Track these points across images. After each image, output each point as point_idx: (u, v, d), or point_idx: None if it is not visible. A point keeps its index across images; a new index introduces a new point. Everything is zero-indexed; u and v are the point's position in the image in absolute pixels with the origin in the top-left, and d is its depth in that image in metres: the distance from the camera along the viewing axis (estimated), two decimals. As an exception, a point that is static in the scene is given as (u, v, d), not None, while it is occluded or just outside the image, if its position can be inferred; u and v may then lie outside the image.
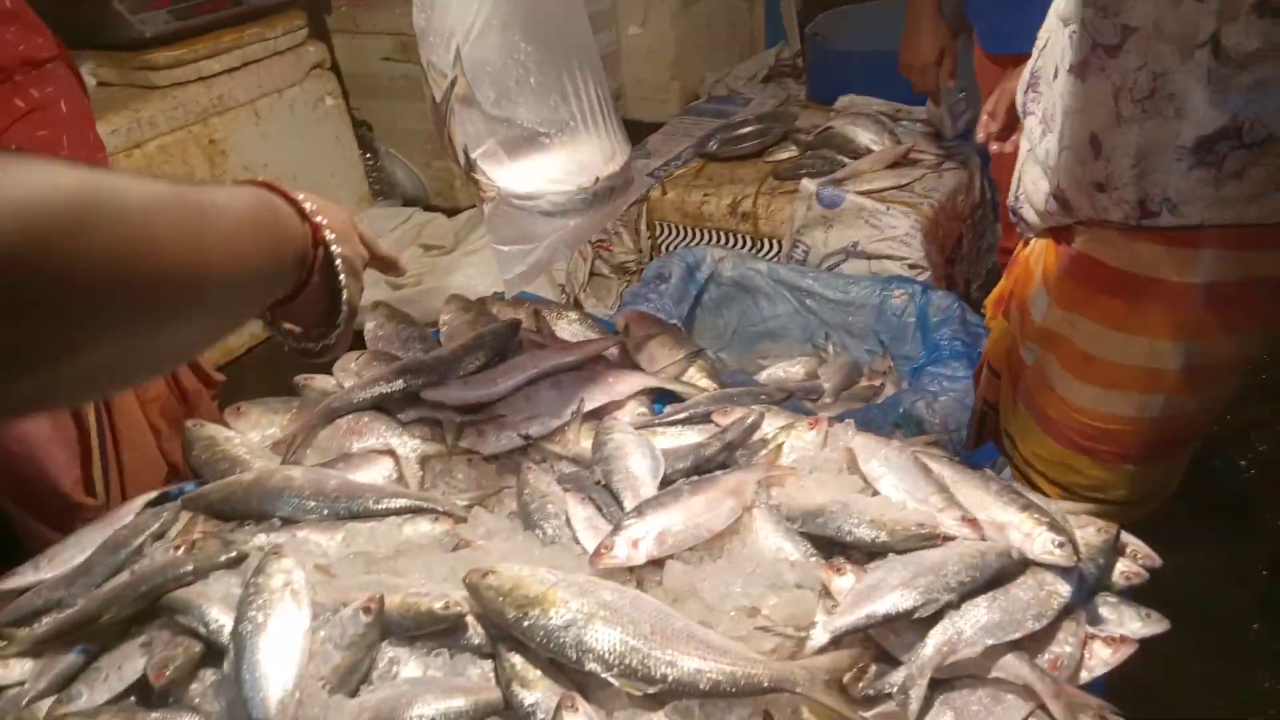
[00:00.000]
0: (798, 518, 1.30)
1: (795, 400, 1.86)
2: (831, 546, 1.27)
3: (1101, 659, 1.14)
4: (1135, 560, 1.28)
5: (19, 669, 1.24)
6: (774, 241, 2.93)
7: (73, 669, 1.22)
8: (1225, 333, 1.39)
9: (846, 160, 2.98)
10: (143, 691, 1.20)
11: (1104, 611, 1.21)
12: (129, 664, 1.21)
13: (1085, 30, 1.31)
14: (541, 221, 1.37)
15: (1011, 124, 1.78)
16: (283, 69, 2.66)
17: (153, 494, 1.52)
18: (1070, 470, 1.58)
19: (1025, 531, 1.20)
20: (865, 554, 1.24)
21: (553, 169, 1.37)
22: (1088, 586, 1.22)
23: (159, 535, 1.38)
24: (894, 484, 1.32)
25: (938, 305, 2.44)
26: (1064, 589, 1.15)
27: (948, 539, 1.21)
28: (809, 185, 2.82)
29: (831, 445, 1.46)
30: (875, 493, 1.33)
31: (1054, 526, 1.19)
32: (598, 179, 1.37)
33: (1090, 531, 1.27)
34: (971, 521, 1.22)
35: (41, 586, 1.32)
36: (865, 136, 3.03)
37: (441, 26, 1.35)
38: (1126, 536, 1.30)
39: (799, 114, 3.41)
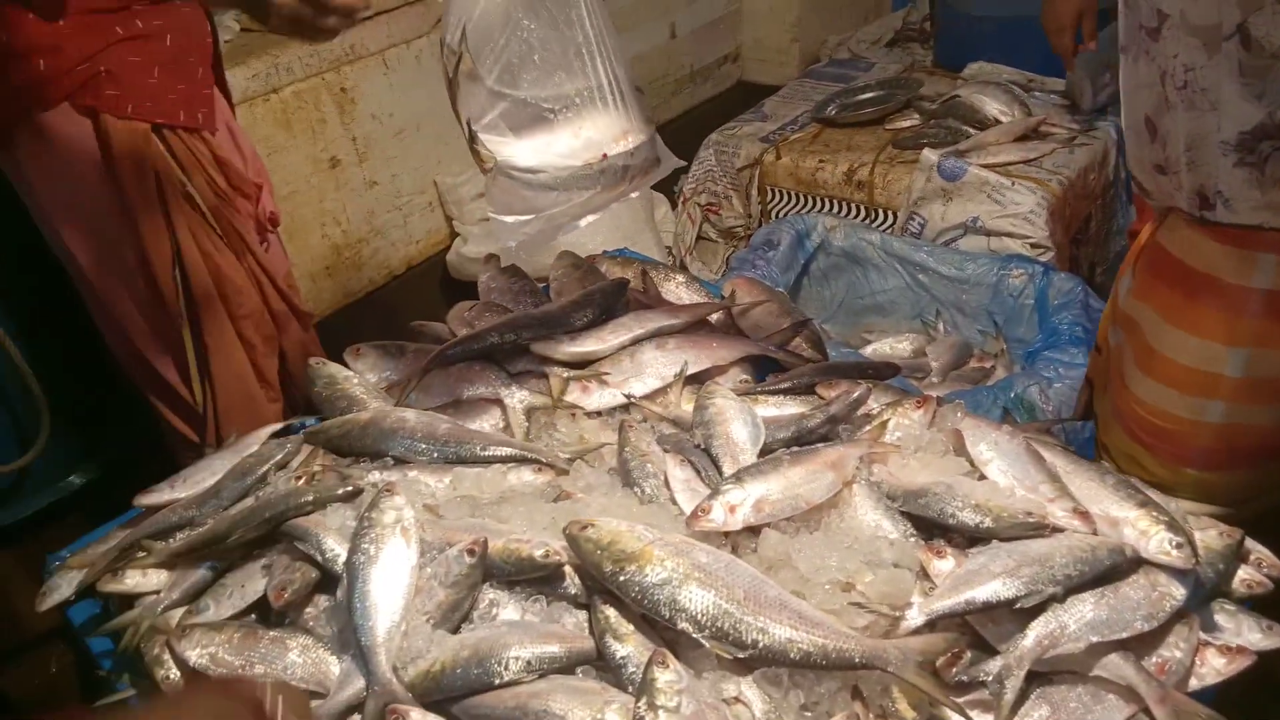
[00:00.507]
0: (899, 496, 1.29)
1: (901, 378, 1.82)
2: (932, 528, 1.25)
3: (1214, 668, 1.10)
4: (1260, 569, 1.22)
5: (155, 579, 1.34)
6: (889, 213, 2.85)
7: (201, 584, 1.32)
8: None
9: (972, 131, 2.86)
10: (262, 610, 1.29)
11: (1220, 619, 1.16)
12: (251, 583, 1.30)
13: (1128, 10, 1.24)
14: (543, 195, 1.38)
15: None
16: (411, 20, 2.72)
17: (277, 425, 1.61)
18: (1135, 464, 1.51)
19: (1141, 529, 1.15)
20: (967, 539, 1.22)
21: (558, 144, 1.38)
22: (1204, 591, 1.17)
23: (282, 465, 1.46)
24: (1003, 469, 1.28)
25: (1059, 288, 2.34)
26: (1178, 591, 1.11)
27: (1056, 530, 1.18)
28: (930, 156, 2.72)
29: (939, 426, 1.43)
30: (982, 477, 1.30)
31: (1172, 526, 1.14)
32: (605, 156, 1.38)
33: (1211, 535, 1.21)
34: (1083, 514, 1.19)
35: (176, 505, 1.42)
36: (993, 106, 2.90)
37: (455, 7, 1.36)
38: (1251, 543, 1.24)
39: (924, 81, 3.28)
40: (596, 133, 1.41)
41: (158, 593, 1.32)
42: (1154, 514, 1.16)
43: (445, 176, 2.95)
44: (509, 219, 1.41)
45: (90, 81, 1.64)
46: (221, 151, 1.81)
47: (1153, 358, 1.42)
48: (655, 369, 1.66)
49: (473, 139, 1.35)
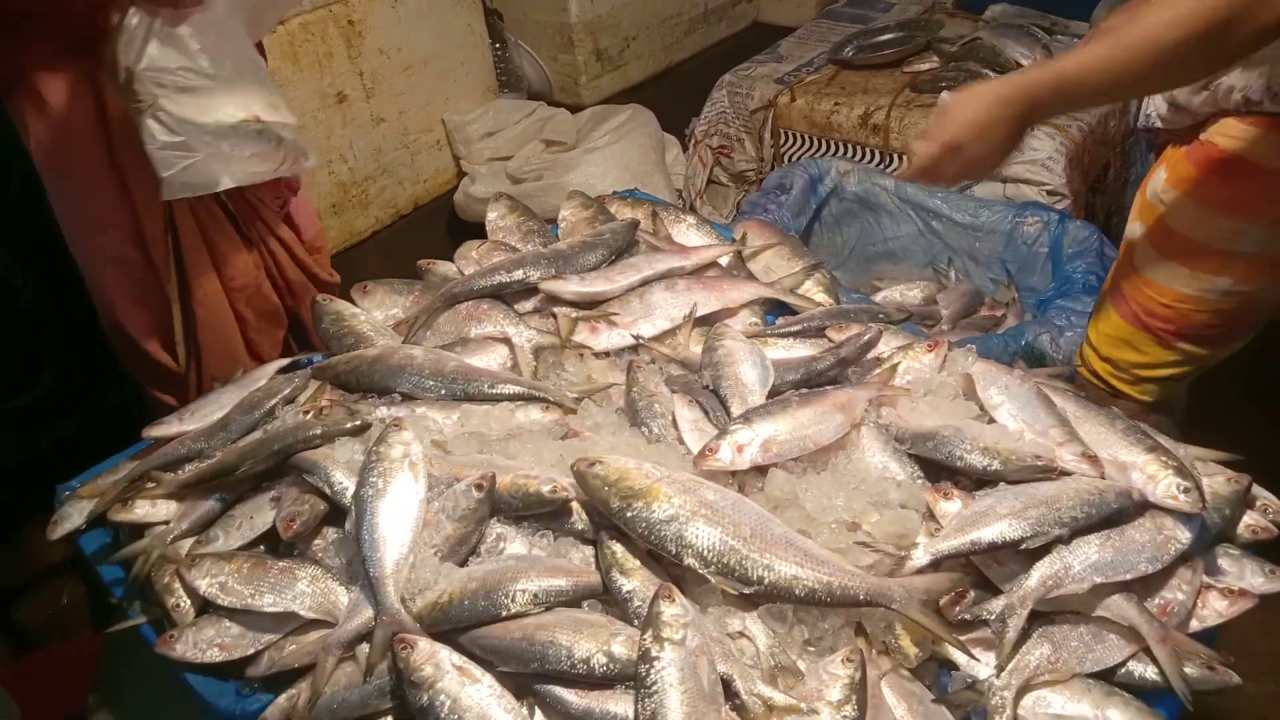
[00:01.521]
0: (907, 439, 1.28)
1: (911, 324, 1.81)
2: (940, 471, 1.25)
3: (1215, 610, 1.10)
4: (1266, 514, 1.22)
5: (165, 509, 1.35)
6: (904, 157, 2.80)
7: (211, 515, 1.33)
8: None
9: (992, 74, 2.79)
10: (271, 541, 1.30)
11: (1224, 563, 1.17)
12: (260, 515, 1.31)
13: None
14: (203, 140, 1.57)
15: None
16: (420, -49, 2.67)
17: (284, 361, 1.61)
18: (1127, 346, 1.64)
19: (1149, 474, 1.15)
20: (974, 482, 1.22)
21: (221, 106, 1.59)
22: (1210, 536, 1.17)
23: (290, 400, 1.46)
24: (1012, 413, 1.28)
25: (1074, 236, 2.30)
26: (1184, 535, 1.11)
27: (1064, 474, 1.18)
28: (948, 99, 2.66)
29: (949, 370, 1.42)
30: (991, 421, 1.29)
31: (1180, 471, 1.14)
32: (258, 118, 1.60)
33: (1219, 480, 1.21)
34: (1092, 458, 1.18)
35: (185, 437, 1.43)
36: (1015, 50, 2.83)
37: None
38: (1258, 490, 1.24)
39: (944, 22, 3.20)
40: (252, 103, 1.62)
41: (167, 523, 1.34)
42: (1162, 459, 1.16)
43: (453, 114, 2.91)
44: (164, 152, 1.57)
45: (90, 39, 1.58)
46: None
47: (1171, 238, 1.51)
48: (664, 310, 1.65)
49: (130, 80, 1.52)
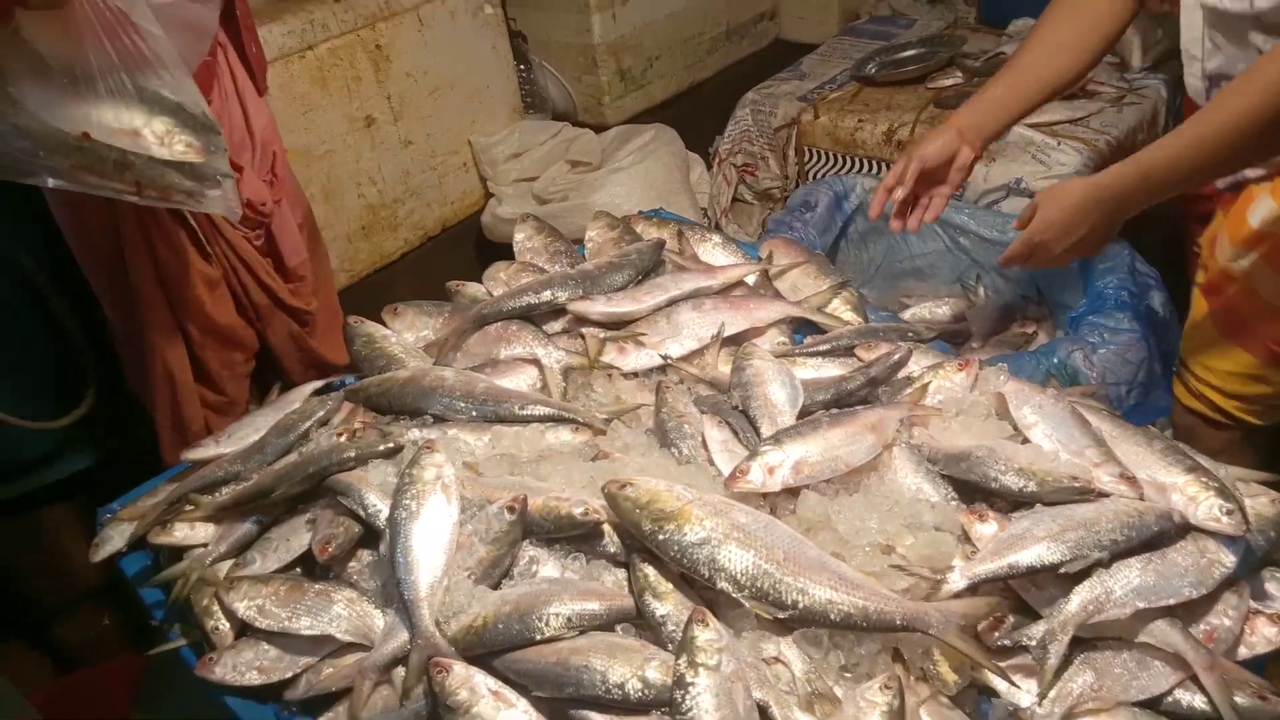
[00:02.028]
0: (940, 460, 1.27)
1: (940, 342, 1.80)
2: (974, 492, 1.24)
3: (1265, 637, 1.08)
4: (1311, 537, 1.19)
5: (203, 532, 1.37)
6: (930, 174, 2.79)
7: (248, 537, 1.35)
8: None
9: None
10: (307, 564, 1.31)
11: (1271, 587, 1.14)
12: (296, 537, 1.32)
13: None
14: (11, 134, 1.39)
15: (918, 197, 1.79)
16: (446, -24, 2.71)
17: (318, 383, 1.63)
18: (1256, 382, 1.63)
19: (1189, 495, 1.13)
20: (1010, 503, 1.21)
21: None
22: (1255, 560, 1.15)
23: (324, 422, 1.48)
24: (1047, 433, 1.27)
25: (1105, 251, 2.28)
26: (1228, 559, 1.09)
27: (1102, 495, 1.16)
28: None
29: (981, 389, 1.41)
30: (1025, 441, 1.28)
31: (1222, 492, 1.12)
32: (86, 135, 1.39)
33: (1262, 501, 1.19)
34: (1130, 479, 1.17)
35: (222, 460, 1.45)
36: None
37: None
38: (1303, 512, 1.21)
39: (967, 38, 3.20)
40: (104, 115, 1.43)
41: (205, 545, 1.35)
42: (1203, 480, 1.14)
43: (479, 136, 2.94)
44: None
45: None
46: None
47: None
48: (692, 330, 1.65)
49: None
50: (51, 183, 1.44)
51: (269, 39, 1.78)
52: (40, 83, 1.38)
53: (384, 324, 1.73)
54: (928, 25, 3.41)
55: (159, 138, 1.42)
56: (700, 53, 3.60)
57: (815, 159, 3.03)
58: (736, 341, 1.64)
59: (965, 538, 1.16)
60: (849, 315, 1.78)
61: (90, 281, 1.85)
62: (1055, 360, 1.88)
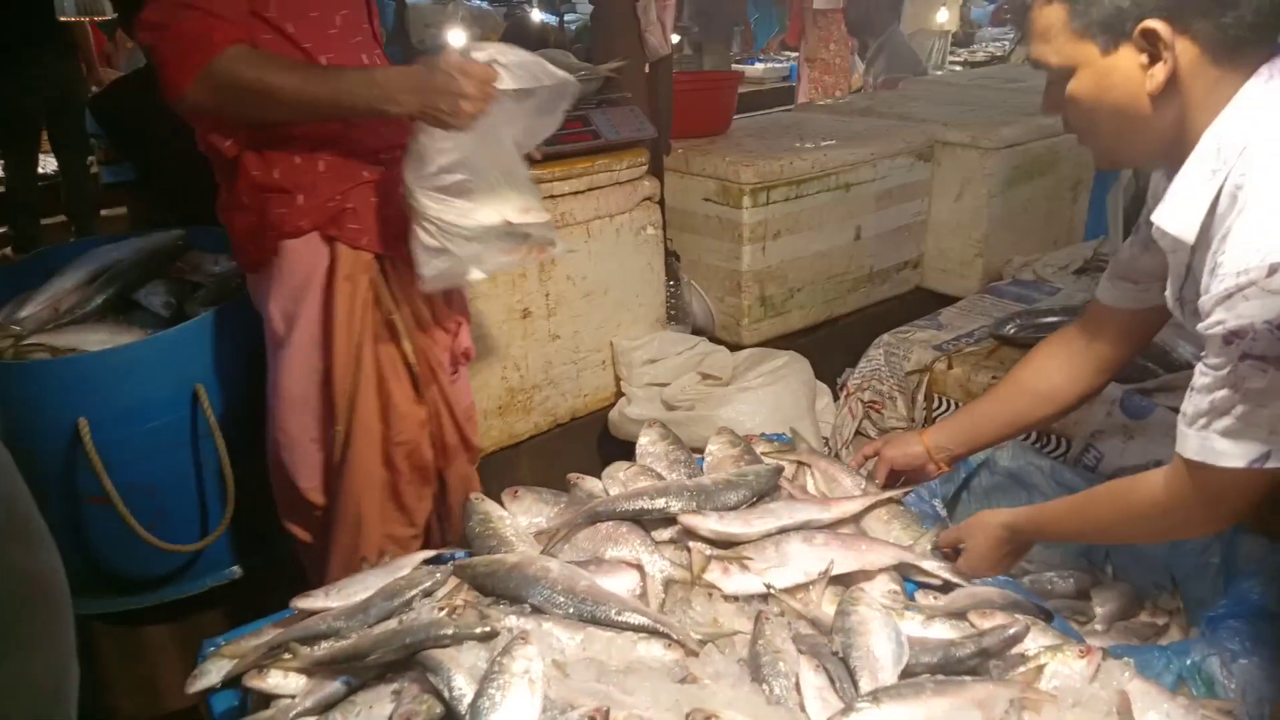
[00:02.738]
0: (1050, 754, 1.19)
1: (1060, 619, 1.71)
2: (1085, 798, 1.14)
3: None
4: None
5: (295, 683, 1.40)
6: (1063, 440, 2.73)
7: (334, 697, 1.37)
8: None
9: (1161, 371, 2.74)
10: (385, 734, 1.31)
11: None
12: (380, 706, 1.33)
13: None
14: (459, 241, 1.84)
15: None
16: (618, 198, 2.97)
17: (430, 553, 1.68)
18: None
19: None
20: (1125, 819, 1.10)
21: (477, 211, 1.86)
22: None
23: (428, 593, 1.52)
24: (1174, 748, 1.17)
25: (1248, 552, 2.14)
26: None
27: (1231, 831, 1.05)
28: (1114, 389, 2.62)
29: (1102, 682, 1.33)
30: (1147, 751, 1.18)
31: None
32: (508, 222, 1.88)
33: None
34: (1265, 819, 1.05)
35: (328, 614, 1.50)
36: (1186, 350, 2.79)
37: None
38: None
39: (1111, 311, 3.21)
40: (505, 204, 1.89)
41: (293, 697, 1.38)
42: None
43: (622, 339, 3.10)
44: (427, 252, 1.85)
45: (338, 216, 1.88)
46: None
47: None
48: (800, 563, 1.63)
49: (409, 194, 1.81)
50: (475, 275, 1.92)
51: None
52: (466, 192, 1.83)
53: (502, 504, 1.79)
54: (1071, 295, 3.44)
55: (538, 208, 1.94)
56: (842, 290, 3.74)
57: (944, 406, 3.02)
58: (845, 582, 1.61)
59: None
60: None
61: (278, 413, 2.01)
62: (1189, 662, 1.74)
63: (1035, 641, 1.43)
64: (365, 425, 1.97)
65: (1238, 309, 1.23)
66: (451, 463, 2.15)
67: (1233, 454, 1.31)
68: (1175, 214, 1.35)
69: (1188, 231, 1.34)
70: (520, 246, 1.95)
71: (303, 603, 1.54)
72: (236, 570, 2.32)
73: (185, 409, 2.13)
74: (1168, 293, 1.57)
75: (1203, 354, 1.37)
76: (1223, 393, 1.31)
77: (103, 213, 5.62)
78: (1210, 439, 1.33)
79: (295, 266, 1.89)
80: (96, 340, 2.20)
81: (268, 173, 1.85)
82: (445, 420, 2.11)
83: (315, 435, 2.00)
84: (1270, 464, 1.29)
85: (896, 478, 2.02)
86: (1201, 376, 1.35)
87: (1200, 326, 1.32)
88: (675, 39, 3.51)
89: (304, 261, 1.89)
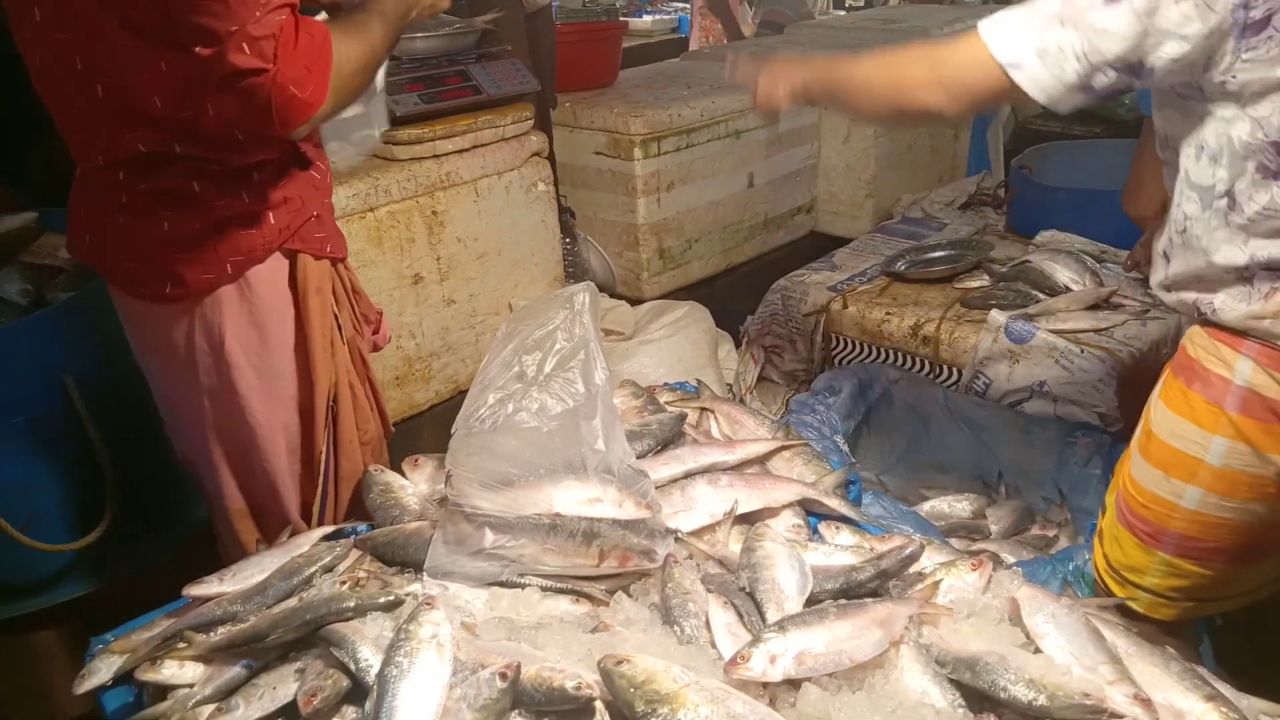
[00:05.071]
0: (948, 663, 1.24)
1: (957, 538, 1.78)
2: (981, 700, 1.19)
3: None
4: (1341, 783, 1.12)
5: (191, 672, 1.34)
6: (954, 369, 2.84)
7: (235, 681, 1.32)
8: (1264, 448, 1.42)
9: (1041, 296, 2.86)
10: (290, 714, 1.27)
11: (1295, 834, 1.07)
12: (283, 686, 1.29)
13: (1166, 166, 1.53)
14: (490, 534, 1.44)
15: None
16: (505, 154, 2.90)
17: (330, 528, 1.64)
18: (1115, 544, 1.66)
19: (1207, 725, 1.08)
20: (1018, 715, 1.16)
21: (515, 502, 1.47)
22: (1278, 802, 1.08)
23: (329, 569, 1.47)
24: (1060, 645, 1.23)
25: (1128, 460, 2.27)
26: (1248, 799, 1.03)
27: (1115, 716, 1.11)
28: (998, 316, 2.73)
29: (994, 591, 1.39)
30: (1037, 650, 1.24)
31: (1243, 725, 1.07)
32: (556, 514, 1.46)
33: (1286, 739, 1.13)
34: (1145, 701, 1.12)
35: (223, 598, 1.44)
36: (1064, 274, 2.92)
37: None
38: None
39: (995, 244, 3.32)
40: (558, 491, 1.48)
41: (191, 686, 1.32)
42: (1223, 709, 1.10)
43: (520, 300, 3.06)
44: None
45: (303, 227, 1.73)
46: (358, 282, 1.92)
47: (1150, 440, 1.57)
48: (705, 505, 1.65)
49: (448, 479, 1.48)
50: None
51: (335, 201, 1.91)
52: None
53: (403, 474, 1.75)
54: (957, 229, 3.56)
55: (616, 502, 1.47)
56: (739, 239, 3.76)
57: (841, 346, 3.10)
58: (750, 520, 1.64)
59: (971, 749, 1.11)
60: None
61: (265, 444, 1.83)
62: (1072, 567, 1.84)
63: (930, 559, 1.48)
64: (348, 436, 1.88)
65: None
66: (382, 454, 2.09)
67: (999, 43, 1.37)
68: None
69: None
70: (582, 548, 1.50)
71: (196, 589, 1.47)
72: (125, 568, 2.21)
73: (55, 402, 2.00)
74: None
75: None
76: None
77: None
78: (1004, 20, 1.38)
79: (259, 289, 1.71)
80: (-52, 334, 2.05)
81: (235, 201, 1.64)
82: (384, 415, 2.06)
83: (298, 460, 1.86)
84: (1014, 75, 1.36)
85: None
86: None
87: None
88: (554, -10, 3.44)
89: (268, 282, 1.71)
